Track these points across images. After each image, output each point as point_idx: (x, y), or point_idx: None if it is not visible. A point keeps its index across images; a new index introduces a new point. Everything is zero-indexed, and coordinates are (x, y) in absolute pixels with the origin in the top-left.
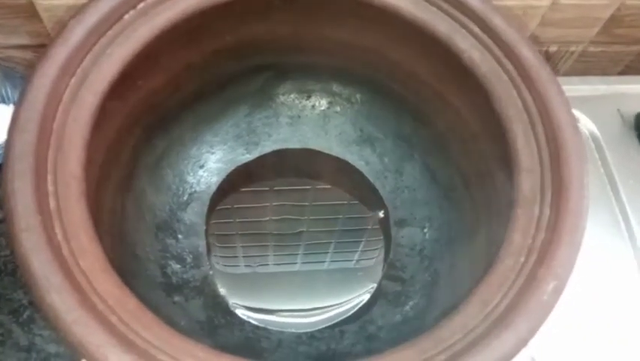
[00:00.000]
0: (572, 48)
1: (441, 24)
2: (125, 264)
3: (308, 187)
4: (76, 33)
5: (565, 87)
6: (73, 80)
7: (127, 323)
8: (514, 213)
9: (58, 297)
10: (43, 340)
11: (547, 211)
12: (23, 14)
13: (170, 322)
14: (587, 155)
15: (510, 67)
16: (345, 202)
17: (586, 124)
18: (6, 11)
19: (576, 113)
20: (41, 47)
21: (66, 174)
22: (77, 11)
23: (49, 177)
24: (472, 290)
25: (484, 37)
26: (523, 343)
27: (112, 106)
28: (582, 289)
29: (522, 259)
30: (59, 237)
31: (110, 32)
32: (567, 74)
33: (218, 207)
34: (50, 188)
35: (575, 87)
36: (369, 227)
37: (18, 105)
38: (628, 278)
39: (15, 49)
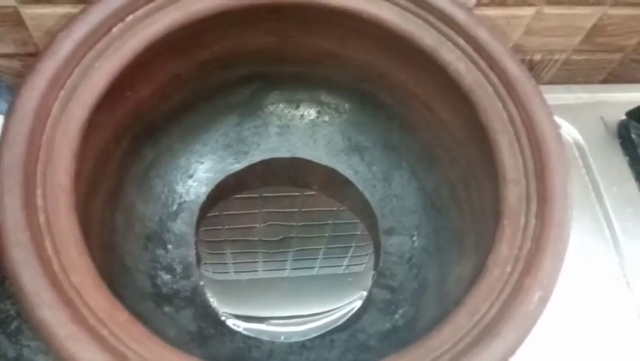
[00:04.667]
0: (556, 56)
1: (427, 36)
2: (115, 275)
3: (297, 193)
4: (65, 46)
5: (548, 95)
6: (62, 93)
7: (118, 337)
8: (500, 224)
9: (49, 312)
10: (31, 351)
11: (532, 222)
12: (9, 22)
13: (160, 333)
14: (570, 165)
15: (495, 79)
16: (335, 208)
17: (569, 132)
18: None
19: (560, 121)
20: (27, 56)
21: (55, 188)
22: (66, 24)
23: (39, 191)
24: (461, 300)
25: (470, 49)
26: (510, 352)
27: (100, 118)
28: (566, 295)
29: (509, 269)
30: (49, 251)
31: (98, 45)
32: (551, 82)
33: (208, 215)
34: (39, 202)
35: (558, 95)
36: (358, 233)
37: (6, 119)
38: (612, 284)
39: (0, 58)
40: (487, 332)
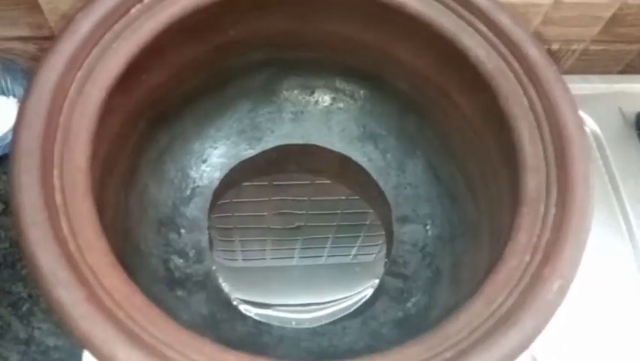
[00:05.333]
0: (574, 46)
1: (447, 21)
2: (128, 259)
3: (307, 182)
4: (83, 27)
5: None
6: (79, 74)
7: (134, 319)
8: (519, 212)
9: (65, 292)
10: (42, 333)
11: (552, 210)
12: (24, 5)
13: (173, 316)
14: (592, 154)
15: (516, 65)
16: (345, 197)
17: (587, 123)
18: (6, 2)
19: None
20: (42, 40)
21: (72, 169)
22: (84, 5)
23: (56, 172)
24: (478, 288)
25: (491, 35)
26: (529, 341)
27: (116, 101)
28: (582, 288)
29: (527, 258)
30: (66, 232)
31: (116, 26)
32: (568, 72)
33: (219, 202)
34: (56, 183)
35: (576, 86)
36: (370, 222)
37: (24, 99)
38: (628, 277)
39: (15, 41)
40: (504, 320)
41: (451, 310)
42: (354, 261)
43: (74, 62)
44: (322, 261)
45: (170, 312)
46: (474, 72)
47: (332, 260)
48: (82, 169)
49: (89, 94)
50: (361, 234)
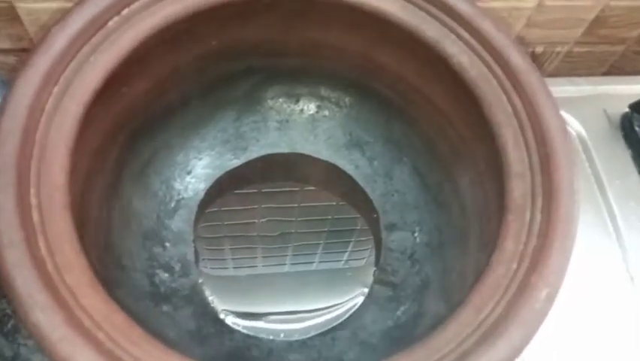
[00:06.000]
0: (558, 49)
1: (430, 28)
2: (112, 274)
3: (296, 189)
4: (59, 40)
5: (551, 88)
6: (56, 89)
7: (114, 340)
8: (505, 219)
9: (42, 315)
10: (28, 350)
11: (538, 217)
12: (4, 17)
13: (159, 332)
14: (576, 159)
15: (499, 72)
16: (334, 203)
17: (572, 125)
18: None
19: (562, 113)
20: (23, 51)
21: (49, 186)
22: (60, 18)
23: (32, 190)
24: (465, 298)
25: (473, 41)
26: (517, 351)
27: (96, 114)
28: (570, 291)
29: (514, 266)
30: (43, 251)
31: (93, 39)
32: (553, 74)
33: (206, 210)
34: (33, 201)
35: (561, 88)
36: (358, 228)
37: None
38: (616, 278)
39: None
40: (493, 330)
41: (440, 318)
42: (345, 266)
43: (50, 77)
44: (312, 267)
45: (156, 328)
46: (457, 79)
47: (322, 266)
48: (59, 186)
49: (67, 109)
50: (352, 239)
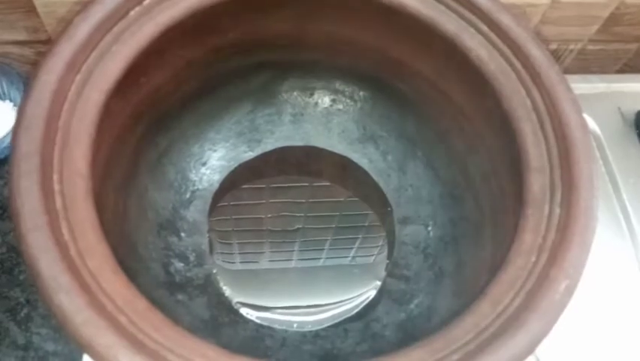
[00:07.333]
0: (572, 46)
1: (448, 22)
2: (128, 263)
3: (306, 184)
4: (82, 30)
5: None
6: (78, 77)
7: (136, 324)
8: (524, 213)
9: (66, 297)
10: (41, 338)
11: (557, 211)
12: (21, 9)
13: (174, 321)
14: (595, 154)
15: (518, 65)
16: (344, 199)
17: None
18: (3, 6)
19: None
20: (39, 43)
21: (72, 173)
22: (82, 8)
23: (55, 176)
24: (483, 289)
25: (492, 35)
26: (536, 342)
27: (116, 103)
28: (583, 288)
29: (533, 259)
30: (66, 236)
31: (115, 29)
32: (566, 71)
33: (219, 205)
34: (56, 187)
35: (575, 85)
36: (369, 224)
37: (23, 102)
38: (629, 276)
39: (12, 45)
40: (512, 321)
41: (454, 311)
42: (354, 263)
43: (73, 65)
44: (322, 263)
45: (172, 317)
46: (476, 73)
47: (332, 262)
48: (82, 173)
49: (89, 97)
50: (360, 235)
